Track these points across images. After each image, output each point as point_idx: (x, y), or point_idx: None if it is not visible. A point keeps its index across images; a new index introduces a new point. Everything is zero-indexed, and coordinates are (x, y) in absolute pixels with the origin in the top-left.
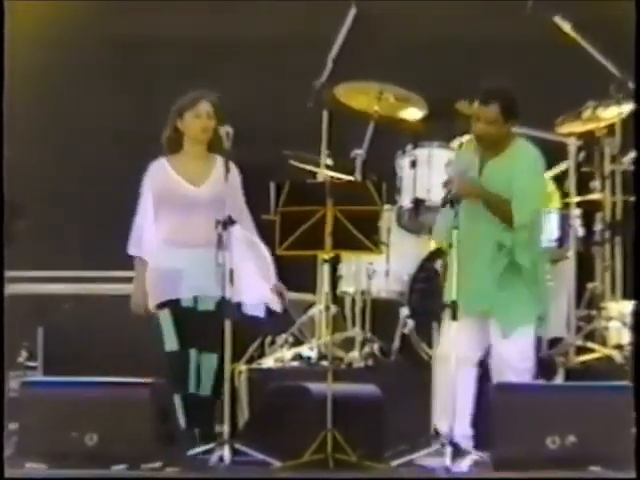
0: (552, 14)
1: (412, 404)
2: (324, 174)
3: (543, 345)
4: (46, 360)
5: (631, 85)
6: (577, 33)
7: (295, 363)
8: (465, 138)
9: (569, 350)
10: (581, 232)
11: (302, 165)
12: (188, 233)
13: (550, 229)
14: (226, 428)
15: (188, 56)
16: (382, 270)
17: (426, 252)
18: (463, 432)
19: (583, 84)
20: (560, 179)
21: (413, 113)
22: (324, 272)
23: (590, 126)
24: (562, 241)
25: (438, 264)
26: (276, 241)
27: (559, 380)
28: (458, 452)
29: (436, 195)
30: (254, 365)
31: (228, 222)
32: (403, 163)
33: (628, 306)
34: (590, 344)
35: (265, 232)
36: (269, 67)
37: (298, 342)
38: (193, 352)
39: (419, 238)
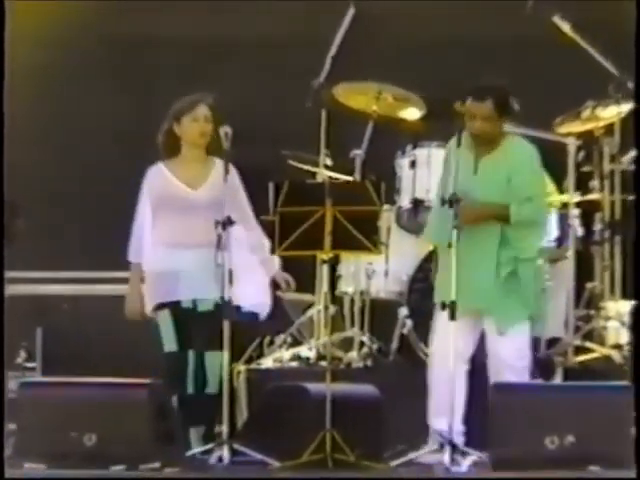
0: (552, 14)
1: (411, 404)
2: (323, 174)
3: (542, 345)
4: (45, 361)
5: (630, 85)
6: (576, 33)
7: (294, 363)
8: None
9: (568, 350)
10: (580, 232)
11: (301, 165)
12: (187, 236)
13: (549, 229)
14: (225, 428)
15: (188, 56)
16: (381, 270)
17: (425, 252)
18: (456, 429)
19: (582, 84)
20: (559, 179)
21: (412, 113)
22: (323, 272)
23: (589, 126)
24: (561, 241)
25: None
26: (275, 241)
27: (558, 380)
28: (457, 452)
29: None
30: (253, 365)
31: (227, 222)
32: (402, 163)
33: (627, 306)
34: (589, 344)
35: (264, 232)
36: (268, 67)
37: (297, 342)
38: (191, 353)
39: (418, 238)
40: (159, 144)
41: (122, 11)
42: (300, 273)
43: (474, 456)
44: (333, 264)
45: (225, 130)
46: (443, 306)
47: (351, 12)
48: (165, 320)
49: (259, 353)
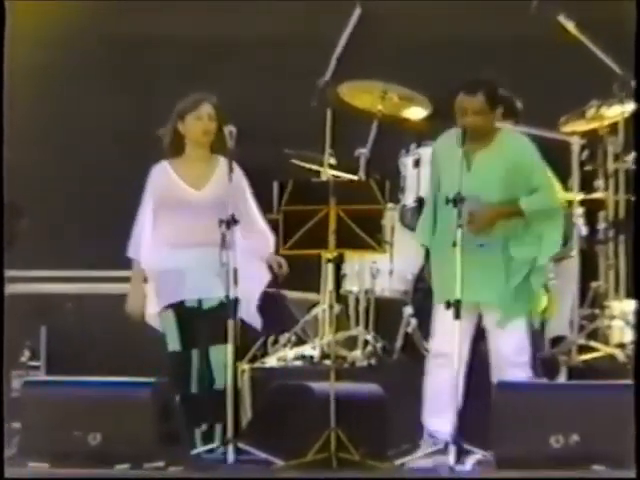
0: (556, 14)
1: (415, 403)
2: (327, 173)
3: (546, 344)
4: (49, 360)
5: (633, 85)
6: (580, 32)
7: (298, 362)
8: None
9: (572, 349)
10: (585, 231)
11: (305, 164)
12: (190, 236)
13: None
14: (229, 427)
15: (188, 56)
16: (386, 269)
17: None
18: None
19: (586, 83)
20: (563, 178)
21: (417, 112)
22: (328, 271)
23: (593, 125)
24: (566, 240)
25: None
26: (279, 240)
27: (562, 379)
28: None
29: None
30: (257, 364)
31: (231, 222)
32: (407, 162)
33: (631, 305)
34: (593, 343)
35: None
36: (272, 66)
37: (301, 341)
38: (195, 353)
39: None
40: (164, 143)
41: (122, 11)
42: (305, 272)
43: (478, 455)
44: (338, 263)
45: (230, 129)
46: (448, 305)
47: (357, 12)
48: (169, 320)
49: (263, 352)
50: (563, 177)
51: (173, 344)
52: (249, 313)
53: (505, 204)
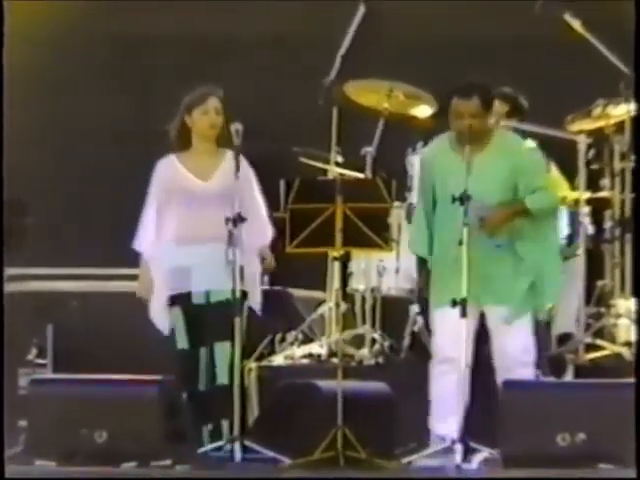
0: (561, 13)
1: (422, 401)
2: (334, 171)
3: (552, 342)
4: (56, 357)
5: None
6: (586, 31)
7: (305, 361)
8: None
9: (578, 347)
10: (591, 229)
11: (312, 162)
12: (197, 228)
13: (560, 226)
14: (236, 425)
15: (187, 56)
16: (392, 267)
17: None
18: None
19: (593, 82)
20: (570, 176)
21: (423, 110)
22: (334, 269)
23: (600, 124)
24: (572, 238)
25: None
26: (286, 239)
27: (568, 377)
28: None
29: None
30: (264, 362)
31: (238, 219)
32: (413, 160)
33: (637, 303)
34: (599, 341)
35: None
36: (279, 64)
37: (308, 340)
38: (203, 350)
39: None
40: (170, 136)
41: (121, 11)
42: (311, 270)
43: (485, 453)
44: (344, 261)
45: (236, 127)
46: (454, 303)
47: (362, 11)
48: (177, 317)
49: (270, 350)
50: (569, 176)
51: (181, 342)
52: (253, 296)
53: (512, 203)
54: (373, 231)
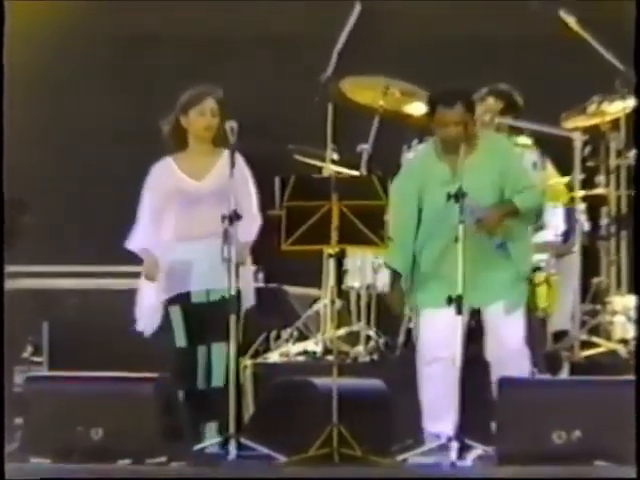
0: (556, 11)
1: (417, 398)
2: (329, 169)
3: (548, 340)
4: (51, 355)
5: (633, 82)
6: (582, 28)
7: (300, 358)
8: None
9: (574, 345)
10: (587, 226)
11: (307, 160)
12: (195, 227)
13: (556, 224)
14: (231, 423)
15: (188, 55)
16: None
17: None
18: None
19: (588, 79)
20: (565, 174)
21: (419, 108)
22: (329, 267)
23: (595, 121)
24: (568, 235)
25: None
26: (281, 236)
27: (564, 375)
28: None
29: None
30: (259, 360)
31: (234, 217)
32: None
33: (633, 300)
34: (595, 339)
35: (270, 227)
36: (273, 62)
37: (303, 337)
38: (202, 349)
39: None
40: (164, 134)
41: (122, 11)
42: (306, 268)
43: (479, 450)
44: (339, 258)
45: (231, 125)
46: (450, 300)
47: (357, 8)
48: (176, 316)
49: (265, 347)
50: (565, 173)
51: (180, 340)
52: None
53: (502, 204)
54: (369, 229)
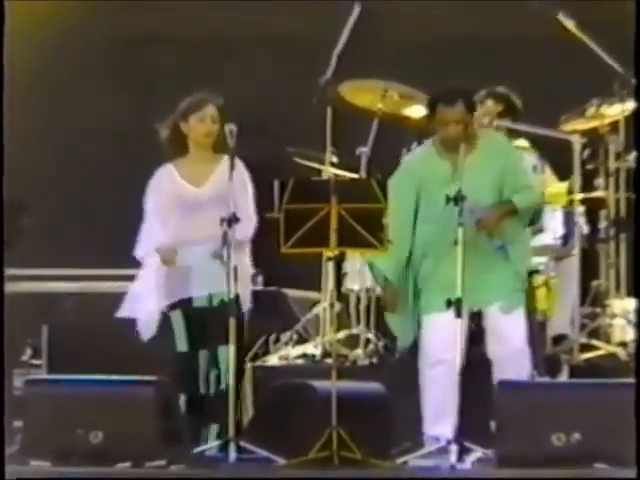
0: (555, 12)
1: (417, 401)
2: (328, 171)
3: (547, 343)
4: (51, 358)
5: (633, 83)
6: (580, 31)
7: (300, 361)
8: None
9: (573, 347)
10: (586, 229)
11: (307, 162)
12: (193, 232)
13: (555, 227)
14: (231, 425)
15: (188, 56)
16: None
17: None
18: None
19: (587, 81)
20: (564, 176)
21: (417, 110)
22: (329, 270)
23: (594, 123)
24: (567, 238)
25: None
26: (280, 239)
27: (563, 377)
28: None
29: None
30: (259, 363)
31: (233, 219)
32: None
33: (632, 303)
34: (594, 341)
35: (270, 230)
36: (272, 64)
37: (303, 340)
38: (203, 353)
39: None
40: (163, 139)
41: (122, 11)
42: (306, 271)
43: (479, 453)
44: (338, 261)
45: (230, 128)
46: (449, 303)
47: (356, 11)
48: (177, 320)
49: (265, 350)
50: (564, 176)
51: (181, 345)
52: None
53: (502, 204)
54: (368, 231)
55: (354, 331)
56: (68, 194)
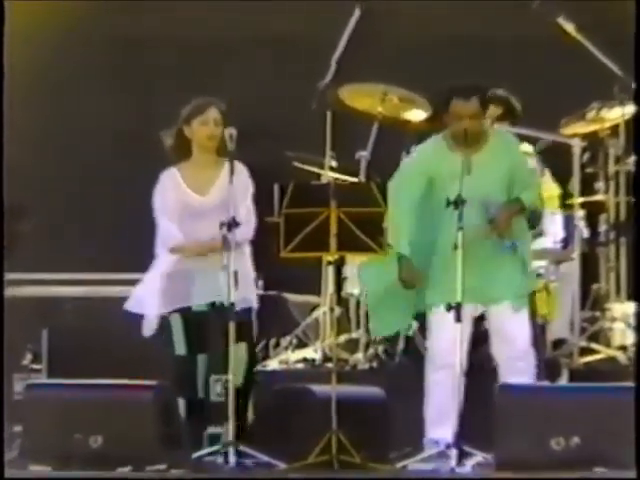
0: (556, 15)
1: (416, 406)
2: (328, 176)
3: (547, 346)
4: (50, 362)
5: (633, 87)
6: (580, 34)
7: (299, 365)
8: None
9: (573, 351)
10: (586, 233)
11: (306, 167)
12: (196, 239)
13: (555, 230)
14: (231, 430)
15: (188, 56)
16: None
17: None
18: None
19: (587, 85)
20: (564, 180)
21: (417, 114)
22: (329, 274)
23: (594, 127)
24: (567, 242)
25: None
26: (280, 243)
27: (563, 381)
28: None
29: None
30: (259, 367)
31: (233, 224)
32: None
33: (632, 307)
34: (594, 345)
35: (269, 234)
36: (272, 67)
37: (302, 344)
38: (201, 357)
39: None
40: (167, 145)
41: (122, 11)
42: (306, 275)
43: (478, 456)
44: (338, 265)
45: (230, 132)
46: (449, 308)
47: (357, 14)
48: (176, 324)
49: (265, 355)
50: (564, 179)
51: (179, 348)
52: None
53: (512, 202)
54: (367, 235)
55: (354, 335)
56: (68, 194)
